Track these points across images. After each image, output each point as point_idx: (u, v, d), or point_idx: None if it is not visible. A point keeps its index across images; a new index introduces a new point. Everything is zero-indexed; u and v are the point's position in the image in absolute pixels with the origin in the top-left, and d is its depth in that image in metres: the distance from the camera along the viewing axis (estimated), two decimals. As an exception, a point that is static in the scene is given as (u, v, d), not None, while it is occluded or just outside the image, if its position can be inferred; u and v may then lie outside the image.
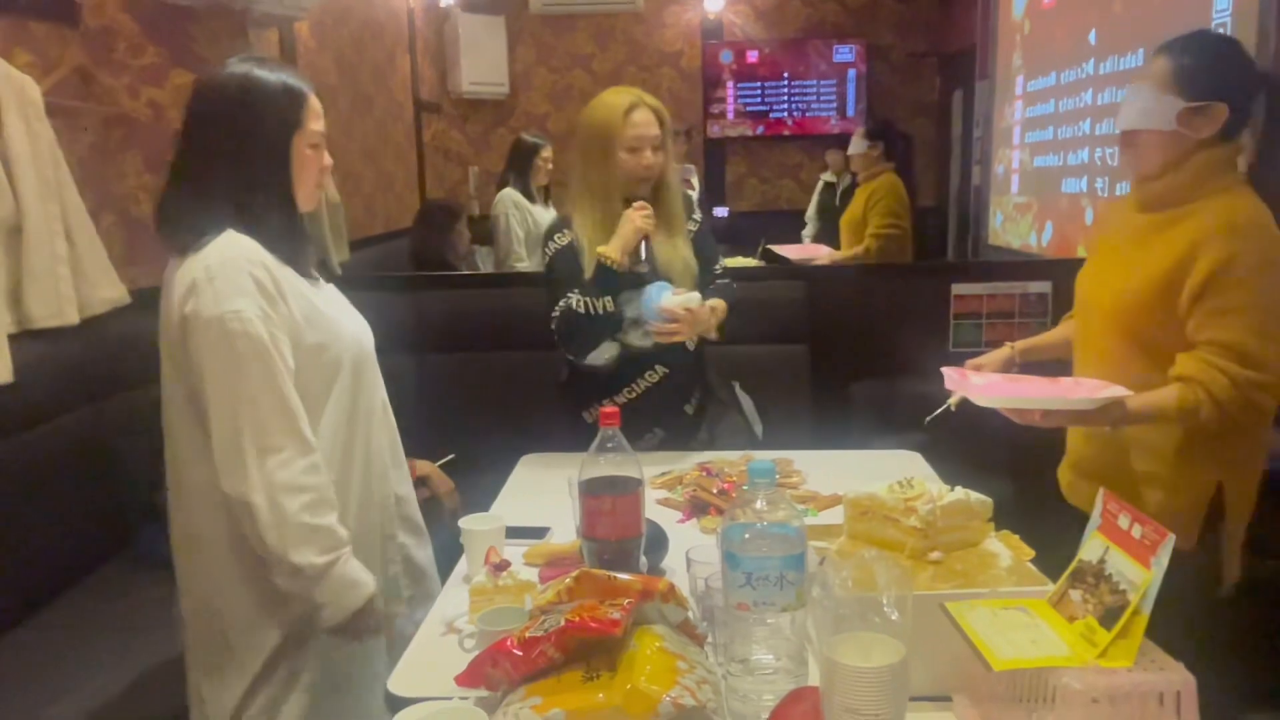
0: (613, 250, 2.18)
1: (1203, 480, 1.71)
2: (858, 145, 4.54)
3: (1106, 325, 1.79)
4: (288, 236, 1.57)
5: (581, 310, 2.20)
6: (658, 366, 2.31)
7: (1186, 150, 1.70)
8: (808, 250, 4.72)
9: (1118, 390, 1.64)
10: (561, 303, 2.23)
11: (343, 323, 1.66)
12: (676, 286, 2.23)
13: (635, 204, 2.20)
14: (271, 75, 1.55)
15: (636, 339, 2.26)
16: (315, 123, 1.59)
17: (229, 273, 1.47)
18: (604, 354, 2.25)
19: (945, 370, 1.82)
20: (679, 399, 2.38)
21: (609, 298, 2.19)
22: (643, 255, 2.21)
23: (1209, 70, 1.69)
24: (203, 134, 1.54)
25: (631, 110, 2.21)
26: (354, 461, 1.66)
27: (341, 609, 1.53)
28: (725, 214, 6.89)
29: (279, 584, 1.52)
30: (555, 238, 2.33)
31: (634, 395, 2.31)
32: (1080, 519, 1.24)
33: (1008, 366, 2.00)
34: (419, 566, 1.83)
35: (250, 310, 1.47)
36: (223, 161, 1.53)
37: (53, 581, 2.36)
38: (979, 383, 1.79)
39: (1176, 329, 1.67)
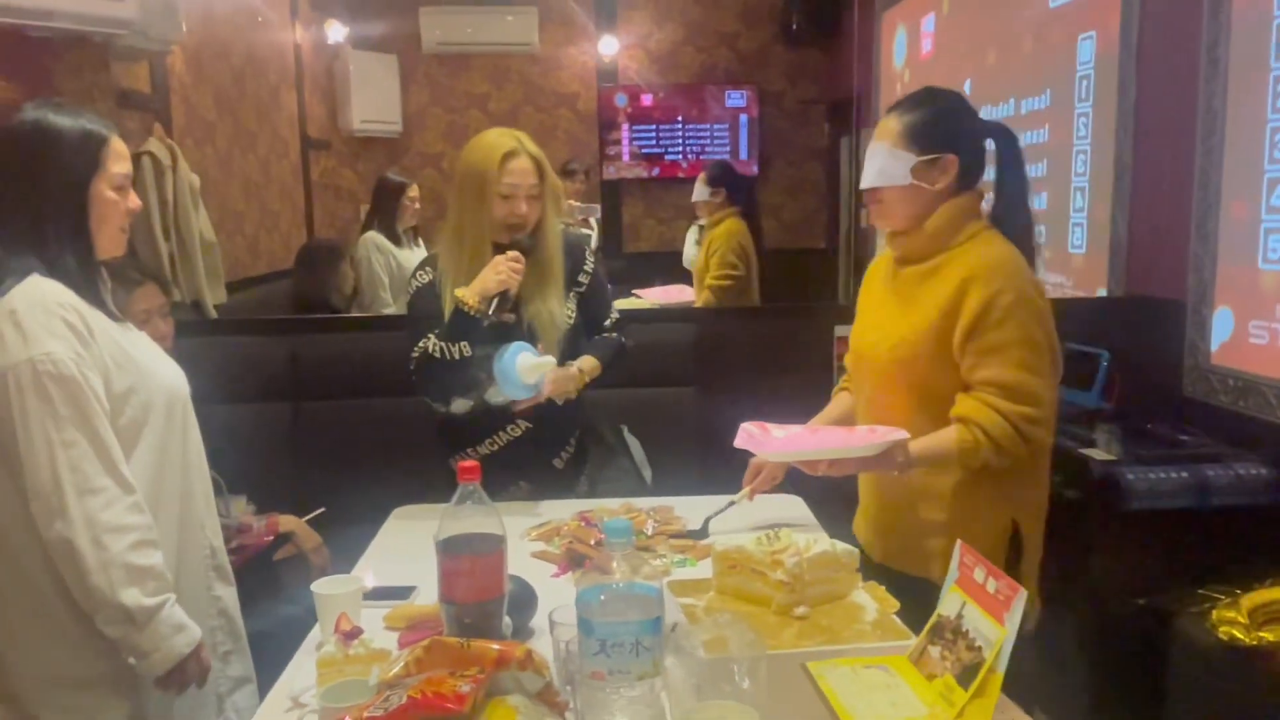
0: (470, 295, 2.10)
1: (999, 522, 1.75)
2: (700, 192, 4.47)
3: (885, 380, 1.84)
4: (86, 280, 1.55)
5: (436, 354, 2.12)
6: (519, 421, 2.23)
7: (928, 203, 1.77)
8: (670, 294, 4.64)
9: (899, 434, 1.68)
10: (420, 344, 2.15)
11: (153, 367, 1.63)
12: (543, 340, 2.17)
13: (509, 253, 2.14)
14: (67, 120, 1.54)
15: (493, 396, 2.18)
16: (118, 165, 1.58)
17: (38, 315, 1.45)
18: (459, 407, 2.18)
19: (744, 426, 1.84)
20: (546, 453, 2.31)
21: (465, 343, 2.12)
22: (494, 306, 2.12)
23: (935, 124, 1.77)
24: None
25: (509, 157, 2.16)
26: (165, 511, 1.60)
27: (169, 656, 1.50)
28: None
29: (106, 631, 1.47)
30: (418, 274, 2.26)
31: (495, 448, 2.24)
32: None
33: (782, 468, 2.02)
34: (233, 620, 1.79)
35: (62, 352, 1.45)
36: (15, 207, 1.51)
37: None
38: (780, 435, 1.82)
39: (953, 373, 1.73)
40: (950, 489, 1.76)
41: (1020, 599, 1.01)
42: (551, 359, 2.14)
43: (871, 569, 1.81)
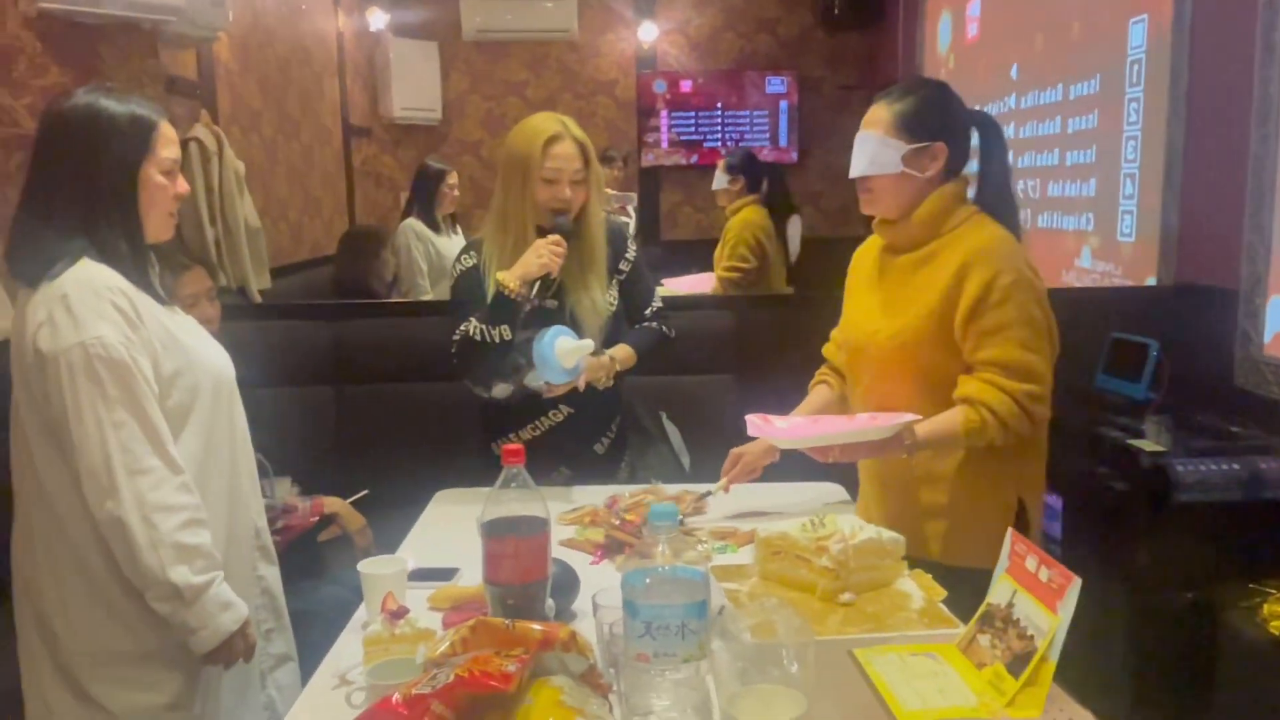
0: (511, 278, 2.10)
1: (1005, 500, 1.78)
2: (719, 180, 4.44)
3: (886, 367, 1.85)
4: (136, 264, 1.57)
5: (477, 337, 2.13)
6: (561, 406, 2.23)
7: (918, 190, 1.79)
8: (696, 283, 4.59)
9: (906, 418, 1.71)
10: (461, 327, 2.16)
11: (200, 350, 1.65)
12: (584, 327, 2.16)
13: (550, 237, 2.14)
14: (118, 105, 1.55)
15: (532, 380, 2.17)
16: (167, 149, 1.59)
17: (88, 299, 1.47)
18: (499, 392, 2.18)
19: (749, 418, 1.86)
20: (587, 439, 2.30)
21: (505, 327, 2.12)
22: (535, 290, 2.12)
23: (925, 113, 1.79)
24: (49, 164, 1.54)
25: (553, 141, 2.15)
26: (211, 492, 1.63)
27: (216, 633, 1.53)
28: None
29: (156, 608, 1.50)
30: (462, 258, 2.27)
31: (538, 433, 2.25)
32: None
33: (769, 453, 2.05)
34: (276, 599, 1.82)
35: (112, 335, 1.47)
36: (68, 191, 1.52)
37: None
38: (782, 425, 1.85)
39: (955, 356, 1.76)
40: (952, 471, 1.79)
41: (1075, 587, 1.00)
42: (590, 343, 2.13)
43: None
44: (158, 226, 1.61)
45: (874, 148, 1.80)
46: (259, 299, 3.90)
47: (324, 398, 3.19)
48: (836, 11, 6.73)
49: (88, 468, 1.46)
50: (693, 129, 7.32)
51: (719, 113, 7.31)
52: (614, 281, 2.30)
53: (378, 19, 6.58)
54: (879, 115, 1.81)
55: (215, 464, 1.65)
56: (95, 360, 1.45)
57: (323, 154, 5.66)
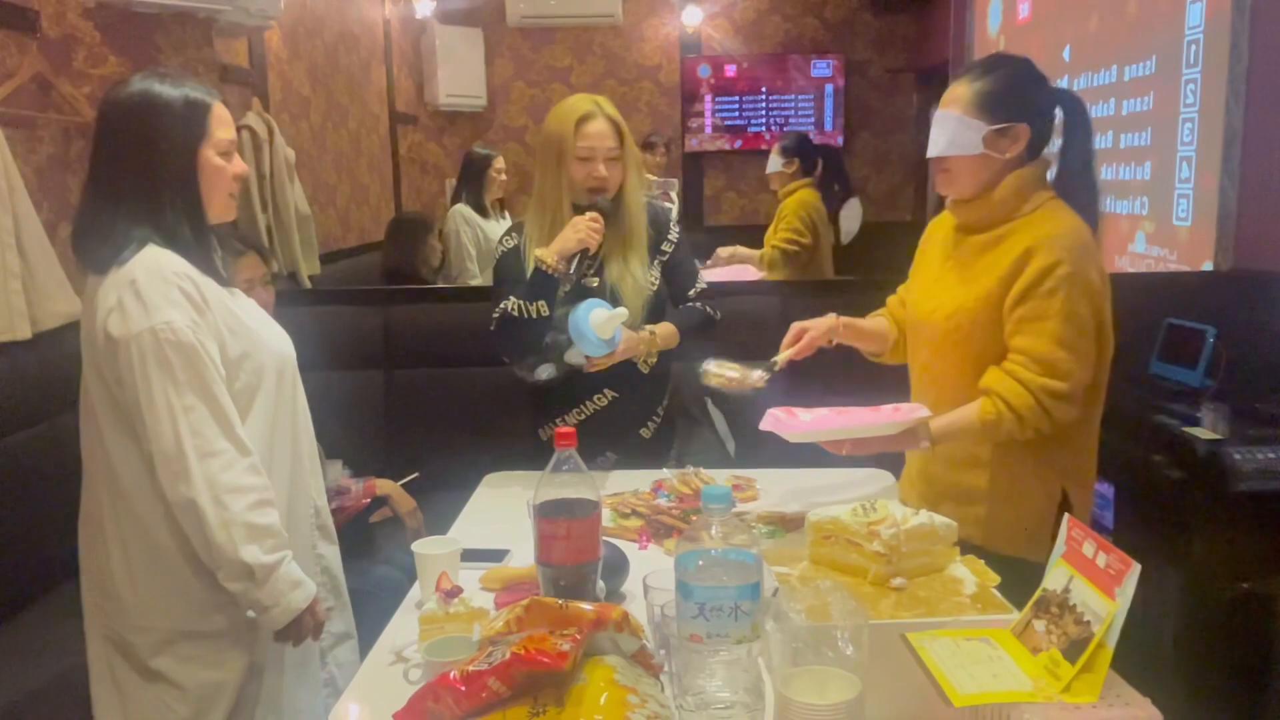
0: (549, 254, 2.12)
1: (1047, 490, 1.74)
2: (774, 163, 4.41)
3: (940, 347, 1.82)
4: (200, 248, 1.58)
5: (515, 313, 2.15)
6: (606, 390, 2.24)
7: (997, 172, 1.74)
8: (733, 274, 4.56)
9: (921, 412, 1.69)
10: (500, 304, 2.18)
11: (264, 332, 1.67)
12: (625, 304, 2.16)
13: (588, 213, 2.15)
14: (173, 89, 1.56)
15: (573, 356, 2.18)
16: (222, 130, 1.60)
17: (156, 285, 1.49)
18: (543, 373, 2.20)
19: (770, 412, 1.83)
20: (633, 423, 2.31)
21: (543, 302, 2.13)
22: (574, 265, 2.13)
23: (1008, 93, 1.73)
24: (110, 151, 1.55)
25: (585, 120, 2.16)
26: (277, 472, 1.65)
27: (287, 610, 1.55)
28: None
29: (229, 588, 1.53)
30: (504, 240, 2.29)
31: (583, 417, 2.26)
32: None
33: (831, 332, 2.01)
34: (336, 578, 1.84)
35: (181, 320, 1.49)
36: (130, 179, 1.54)
37: (11, 600, 2.29)
38: (807, 419, 1.81)
39: (1005, 341, 1.72)
40: (990, 456, 1.75)
41: (1134, 573, 0.99)
42: (624, 310, 2.13)
43: None
44: (220, 208, 1.63)
45: (954, 128, 1.74)
46: (309, 284, 3.96)
47: (373, 382, 3.24)
48: (884, -7, 6.66)
49: (160, 451, 1.48)
50: (737, 114, 7.29)
51: (763, 97, 7.26)
52: (656, 263, 2.30)
53: (424, 6, 6.62)
54: (959, 94, 1.75)
55: (280, 444, 1.67)
56: (165, 345, 1.47)
57: (369, 141, 5.72)
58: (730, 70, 7.26)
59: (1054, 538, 1.60)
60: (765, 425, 1.82)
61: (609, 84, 7.25)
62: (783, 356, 1.98)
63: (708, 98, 7.28)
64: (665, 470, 2.14)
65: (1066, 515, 1.15)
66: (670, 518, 1.89)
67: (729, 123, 7.32)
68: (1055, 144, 1.83)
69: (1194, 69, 3.30)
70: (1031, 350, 1.67)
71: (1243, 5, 3.00)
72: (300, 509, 1.73)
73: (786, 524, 1.89)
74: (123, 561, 1.57)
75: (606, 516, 1.95)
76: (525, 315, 2.14)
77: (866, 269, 4.83)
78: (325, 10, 4.98)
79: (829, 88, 7.18)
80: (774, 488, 2.09)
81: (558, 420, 2.28)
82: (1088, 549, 1.07)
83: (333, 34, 5.09)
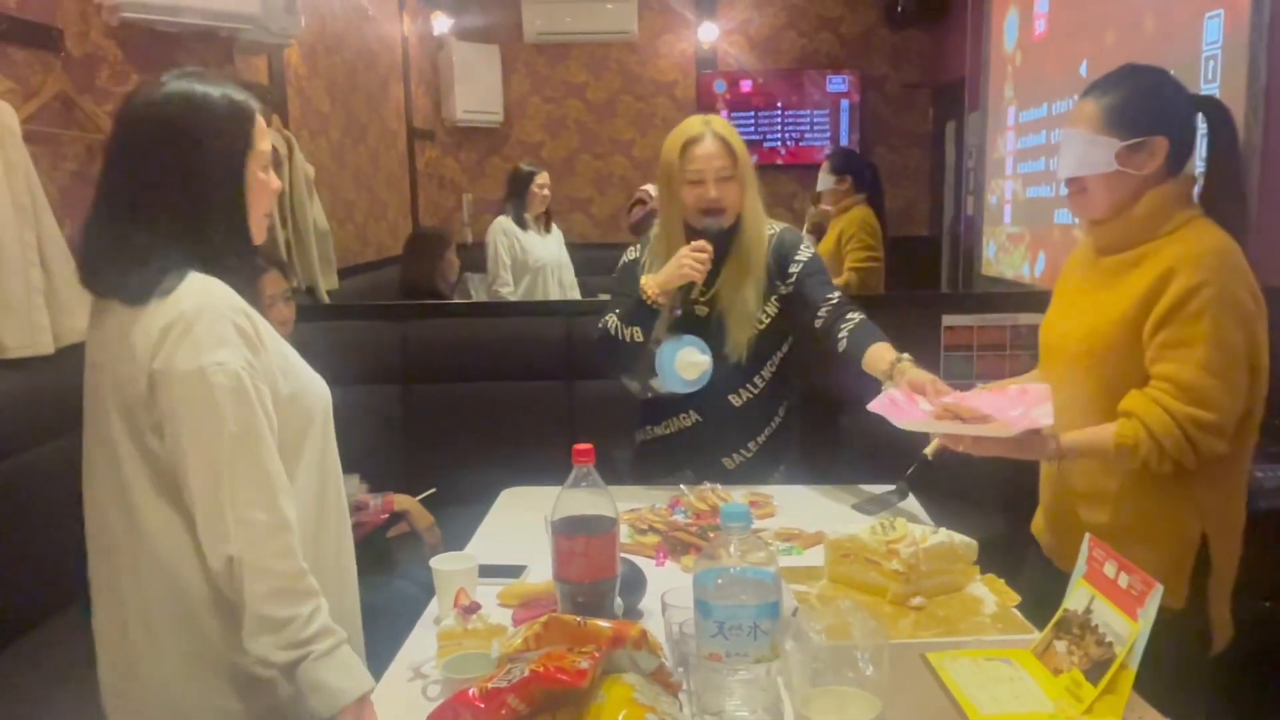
0: (653, 284, 2.11)
1: (1183, 533, 1.61)
2: (825, 181, 4.44)
3: (1074, 370, 1.71)
4: (246, 275, 1.39)
5: (613, 332, 2.17)
6: (690, 411, 2.25)
7: (1135, 189, 1.63)
8: None
9: (1042, 421, 1.57)
10: (605, 317, 2.20)
11: (306, 369, 1.51)
12: (731, 337, 2.13)
13: (694, 243, 2.10)
14: (215, 90, 1.36)
15: (659, 384, 2.18)
16: (264, 142, 1.41)
17: (209, 320, 1.29)
18: (631, 386, 2.25)
19: (888, 393, 1.77)
20: (717, 450, 2.26)
21: (638, 328, 2.13)
22: (674, 300, 2.11)
23: (1139, 104, 1.63)
24: (143, 162, 1.33)
25: (692, 143, 2.14)
26: (327, 511, 1.52)
27: (326, 705, 1.28)
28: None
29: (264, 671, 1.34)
30: (629, 250, 2.32)
31: (669, 431, 2.28)
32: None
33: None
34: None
35: (234, 362, 1.29)
36: (170, 194, 1.33)
37: (27, 615, 2.30)
38: (926, 408, 1.73)
39: (1143, 367, 1.61)
40: (1115, 491, 1.63)
41: (1155, 594, 0.98)
42: (708, 361, 2.10)
43: (1042, 565, 1.76)
44: (257, 229, 1.43)
45: (1081, 147, 1.64)
46: (327, 299, 3.99)
47: (391, 396, 3.25)
48: (900, 9, 6.66)
49: (200, 499, 1.28)
50: (753, 129, 7.30)
51: (779, 113, 7.28)
52: (773, 298, 2.20)
53: (441, 23, 6.68)
54: (1086, 111, 1.65)
55: (329, 483, 1.51)
56: (215, 388, 1.27)
57: (388, 157, 5.76)
58: (746, 85, 7.28)
59: (1195, 587, 1.51)
60: (876, 407, 1.74)
61: (625, 100, 7.28)
62: (931, 448, 1.89)
63: (724, 113, 7.30)
64: (682, 486, 2.14)
65: (1087, 535, 1.15)
66: (687, 534, 1.89)
67: (745, 137, 7.28)
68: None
69: (1212, 84, 3.29)
70: (1177, 378, 1.54)
71: (1261, 21, 2.99)
72: (347, 545, 1.58)
73: (804, 541, 1.89)
74: (145, 633, 1.36)
75: (624, 532, 1.94)
76: (620, 336, 2.15)
77: (885, 283, 4.84)
78: (344, 28, 5.03)
79: (845, 103, 7.19)
80: (791, 505, 2.08)
81: (648, 429, 2.32)
82: (1109, 569, 1.07)
83: (352, 51, 5.14)
